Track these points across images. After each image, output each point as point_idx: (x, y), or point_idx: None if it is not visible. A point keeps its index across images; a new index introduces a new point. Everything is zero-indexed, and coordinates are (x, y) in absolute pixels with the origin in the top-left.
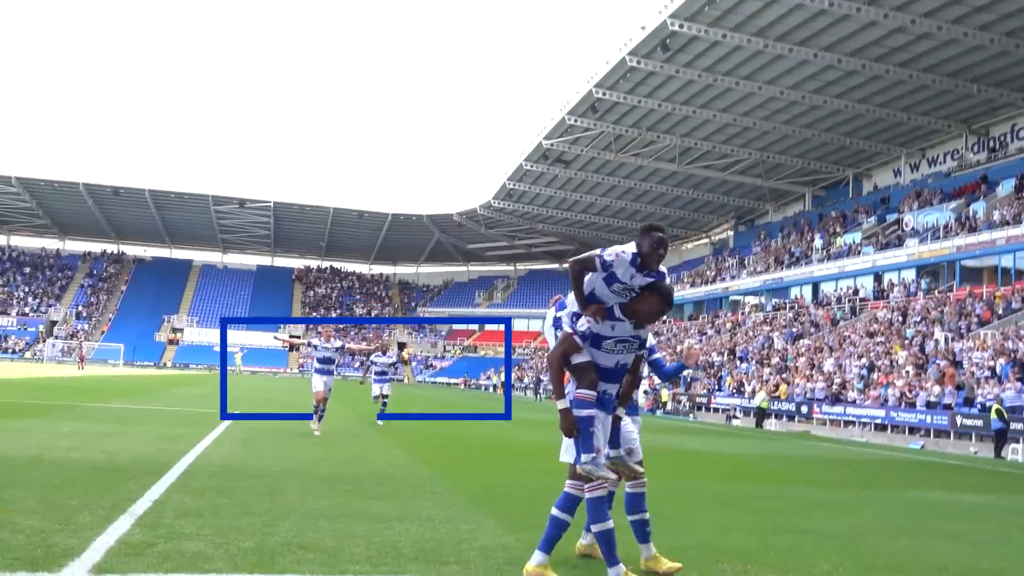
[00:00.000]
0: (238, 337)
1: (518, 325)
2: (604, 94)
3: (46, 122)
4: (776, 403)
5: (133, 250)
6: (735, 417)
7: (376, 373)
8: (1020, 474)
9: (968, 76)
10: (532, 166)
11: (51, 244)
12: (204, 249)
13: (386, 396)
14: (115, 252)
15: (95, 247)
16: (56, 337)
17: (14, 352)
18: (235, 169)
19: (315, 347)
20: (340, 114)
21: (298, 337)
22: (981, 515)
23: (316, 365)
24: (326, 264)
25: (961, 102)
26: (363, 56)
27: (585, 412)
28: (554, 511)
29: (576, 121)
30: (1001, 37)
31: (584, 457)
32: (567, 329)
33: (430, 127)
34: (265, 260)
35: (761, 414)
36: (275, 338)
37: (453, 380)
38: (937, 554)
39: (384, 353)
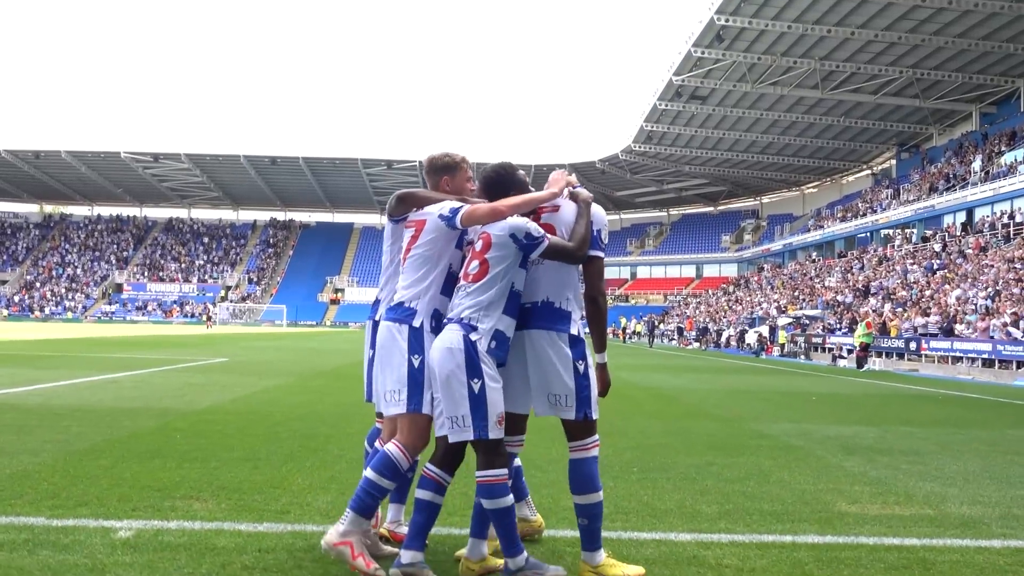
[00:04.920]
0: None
1: (671, 271)
2: (728, 20)
3: (208, 100)
4: (886, 340)
5: (300, 216)
6: (841, 357)
7: None
8: None
9: None
10: (667, 105)
11: (227, 215)
12: (363, 212)
13: None
14: (283, 219)
15: (264, 215)
16: (230, 301)
17: (192, 316)
18: (383, 131)
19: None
20: (475, 67)
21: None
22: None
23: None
24: None
25: None
26: (492, 11)
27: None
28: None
29: (704, 53)
30: None
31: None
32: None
33: (564, 74)
34: None
35: (862, 351)
36: None
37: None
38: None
39: None
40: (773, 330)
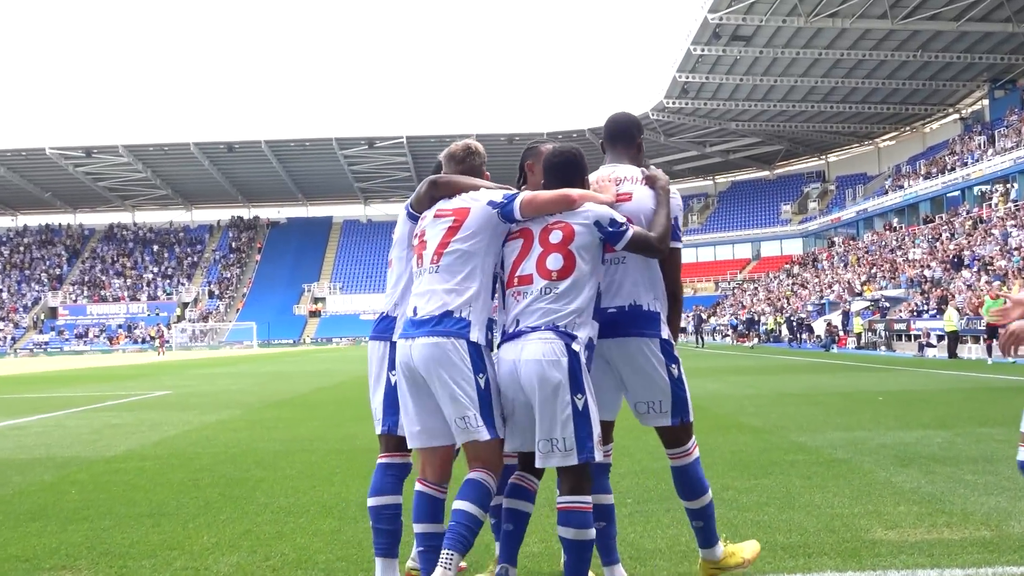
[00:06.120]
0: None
1: (721, 252)
2: None
3: (146, 81)
4: (982, 321)
5: (266, 213)
6: (930, 345)
7: None
8: None
9: None
10: (704, 50)
11: (178, 217)
12: (343, 202)
13: None
14: (246, 218)
15: (224, 214)
16: (189, 321)
17: (143, 342)
18: (359, 104)
19: None
20: (467, 21)
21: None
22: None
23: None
24: None
25: None
26: None
27: None
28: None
29: None
30: None
31: None
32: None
33: (576, 22)
34: None
35: (954, 339)
36: None
37: None
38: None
39: None
40: (847, 316)
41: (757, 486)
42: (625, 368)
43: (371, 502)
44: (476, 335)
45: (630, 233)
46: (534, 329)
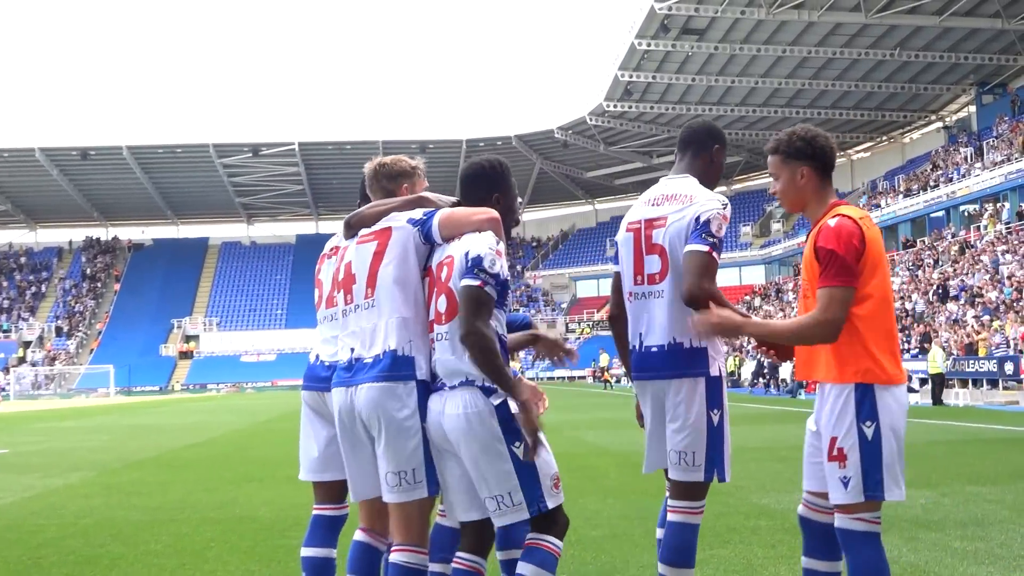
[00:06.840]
0: (270, 340)
1: None
2: None
3: None
4: (972, 362)
5: (128, 233)
6: (912, 390)
7: None
8: None
9: None
10: (650, 44)
11: (20, 237)
12: (221, 221)
13: None
14: (104, 239)
15: (77, 234)
16: (31, 364)
17: None
18: (244, 109)
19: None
20: (371, 18)
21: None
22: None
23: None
24: None
25: None
26: None
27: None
28: None
29: None
30: None
31: None
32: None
33: (502, 10)
34: (307, 227)
35: (939, 382)
36: None
37: (578, 373)
38: None
39: None
40: None
41: (713, 557)
42: (668, 411)
43: None
44: (423, 371)
45: (474, 287)
46: (450, 385)
